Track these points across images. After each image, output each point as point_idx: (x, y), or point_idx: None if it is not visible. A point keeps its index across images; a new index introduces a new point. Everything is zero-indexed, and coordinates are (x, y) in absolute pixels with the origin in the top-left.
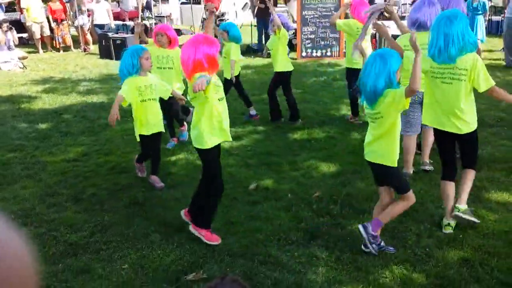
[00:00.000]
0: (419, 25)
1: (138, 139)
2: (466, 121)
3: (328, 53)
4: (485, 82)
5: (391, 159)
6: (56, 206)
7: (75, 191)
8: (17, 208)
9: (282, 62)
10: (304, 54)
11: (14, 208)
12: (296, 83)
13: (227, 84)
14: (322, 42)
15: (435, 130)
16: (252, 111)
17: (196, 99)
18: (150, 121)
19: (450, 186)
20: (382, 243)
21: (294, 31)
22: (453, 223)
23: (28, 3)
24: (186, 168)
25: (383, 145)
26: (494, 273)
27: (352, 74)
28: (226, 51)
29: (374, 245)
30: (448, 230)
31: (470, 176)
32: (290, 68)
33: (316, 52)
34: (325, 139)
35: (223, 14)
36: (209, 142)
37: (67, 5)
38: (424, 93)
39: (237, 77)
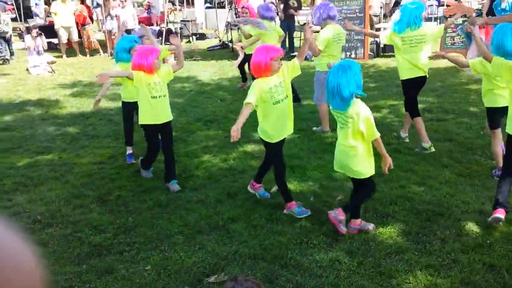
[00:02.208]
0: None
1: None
2: None
3: (353, 55)
4: None
5: None
6: (82, 207)
7: (101, 193)
8: (44, 209)
9: None
10: None
11: (40, 209)
12: None
13: None
14: (347, 44)
15: None
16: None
17: None
18: None
19: None
20: None
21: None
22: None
23: (56, 8)
24: (209, 171)
25: None
26: None
27: None
28: None
29: None
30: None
31: None
32: None
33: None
34: None
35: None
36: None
37: (94, 10)
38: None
39: None
